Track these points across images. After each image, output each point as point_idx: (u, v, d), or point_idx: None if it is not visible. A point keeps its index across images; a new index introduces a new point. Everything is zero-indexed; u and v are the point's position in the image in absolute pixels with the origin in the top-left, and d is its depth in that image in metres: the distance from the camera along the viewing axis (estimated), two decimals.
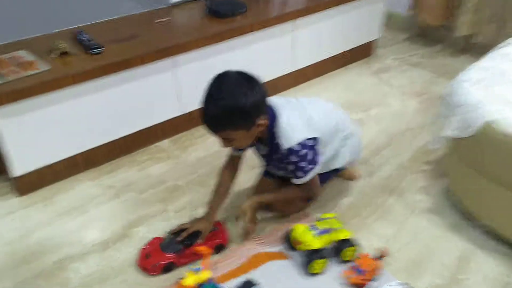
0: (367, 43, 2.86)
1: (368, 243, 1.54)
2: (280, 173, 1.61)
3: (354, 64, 2.83)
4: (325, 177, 1.66)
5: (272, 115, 1.44)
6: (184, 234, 1.48)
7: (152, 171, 1.92)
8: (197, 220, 1.54)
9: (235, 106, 1.31)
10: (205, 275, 1.36)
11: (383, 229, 1.62)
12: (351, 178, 1.85)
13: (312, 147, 1.46)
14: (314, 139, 1.46)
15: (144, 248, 1.50)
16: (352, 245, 1.46)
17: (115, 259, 1.50)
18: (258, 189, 1.72)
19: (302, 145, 1.43)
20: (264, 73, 2.41)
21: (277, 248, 1.52)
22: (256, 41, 2.21)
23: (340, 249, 1.45)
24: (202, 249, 1.39)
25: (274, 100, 1.48)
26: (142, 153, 2.04)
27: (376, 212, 1.70)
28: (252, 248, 1.51)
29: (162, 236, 1.53)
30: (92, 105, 1.81)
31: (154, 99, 1.98)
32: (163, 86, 1.98)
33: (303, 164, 1.45)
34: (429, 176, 1.88)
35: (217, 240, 1.51)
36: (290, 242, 1.49)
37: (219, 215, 1.58)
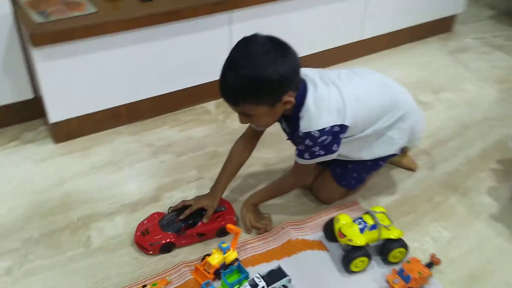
0: (446, 17, 2.56)
1: (420, 246, 1.36)
2: None
3: (429, 39, 2.55)
4: (374, 165, 1.47)
5: (302, 92, 1.24)
6: (187, 212, 1.34)
7: (194, 133, 1.81)
8: (201, 197, 1.40)
9: (259, 77, 1.12)
10: (232, 255, 1.24)
11: (440, 231, 1.43)
12: (409, 167, 1.65)
13: (334, 134, 1.25)
14: (341, 126, 1.25)
15: (142, 224, 1.38)
16: (402, 247, 1.29)
17: None
18: None
19: (324, 131, 1.23)
20: (328, 39, 2.23)
21: (316, 236, 1.38)
22: (322, 2, 2.00)
23: (387, 249, 1.28)
24: (232, 227, 1.27)
25: (307, 74, 1.28)
26: (187, 112, 1.92)
27: (434, 211, 1.50)
28: (288, 232, 1.37)
29: (163, 211, 1.41)
30: (139, 55, 1.69)
31: (204, 55, 1.83)
32: (216, 43, 1.83)
33: (315, 148, 1.26)
34: (500, 177, 1.64)
35: (223, 222, 1.36)
36: (331, 232, 1.33)
37: (231, 195, 1.46)
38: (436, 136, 1.82)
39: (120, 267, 1.28)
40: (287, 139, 1.39)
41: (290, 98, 1.19)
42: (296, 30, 1.95)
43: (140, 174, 1.61)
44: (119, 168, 1.62)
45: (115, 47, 1.62)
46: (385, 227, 1.29)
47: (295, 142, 1.35)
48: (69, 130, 1.73)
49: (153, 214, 1.39)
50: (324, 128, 1.22)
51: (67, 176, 1.59)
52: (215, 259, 1.22)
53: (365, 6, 2.15)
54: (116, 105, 1.76)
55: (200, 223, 1.34)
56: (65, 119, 1.68)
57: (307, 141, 1.25)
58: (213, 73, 1.87)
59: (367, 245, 1.27)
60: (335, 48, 2.18)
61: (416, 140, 1.51)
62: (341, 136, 1.27)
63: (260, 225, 1.39)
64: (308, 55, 2.03)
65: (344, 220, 1.30)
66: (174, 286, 1.21)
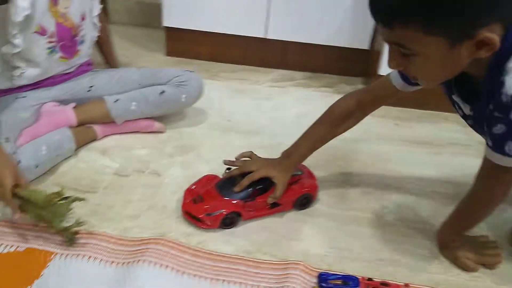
0: None
1: None
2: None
3: None
4: None
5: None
6: (245, 183, 0.94)
7: None
8: (266, 163, 0.97)
9: None
10: None
11: None
12: None
13: None
14: None
15: (191, 189, 0.98)
16: None
17: None
18: None
19: None
20: None
21: None
22: None
23: None
24: None
25: None
26: None
27: None
28: None
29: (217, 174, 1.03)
30: None
31: None
32: None
33: None
34: None
35: (305, 189, 0.99)
36: None
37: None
38: None
39: (413, 257, 0.93)
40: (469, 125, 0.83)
41: (492, 35, 0.64)
42: None
43: (458, 169, 1.23)
44: (437, 152, 1.30)
45: None
46: None
47: (481, 127, 0.77)
48: None
49: (206, 177, 1.02)
50: None
51: (365, 136, 1.33)
52: None
53: None
54: None
55: (270, 189, 0.95)
56: None
57: None
58: None
59: None
60: None
61: None
62: None
63: (487, 261, 0.91)
64: None
65: None
66: None
